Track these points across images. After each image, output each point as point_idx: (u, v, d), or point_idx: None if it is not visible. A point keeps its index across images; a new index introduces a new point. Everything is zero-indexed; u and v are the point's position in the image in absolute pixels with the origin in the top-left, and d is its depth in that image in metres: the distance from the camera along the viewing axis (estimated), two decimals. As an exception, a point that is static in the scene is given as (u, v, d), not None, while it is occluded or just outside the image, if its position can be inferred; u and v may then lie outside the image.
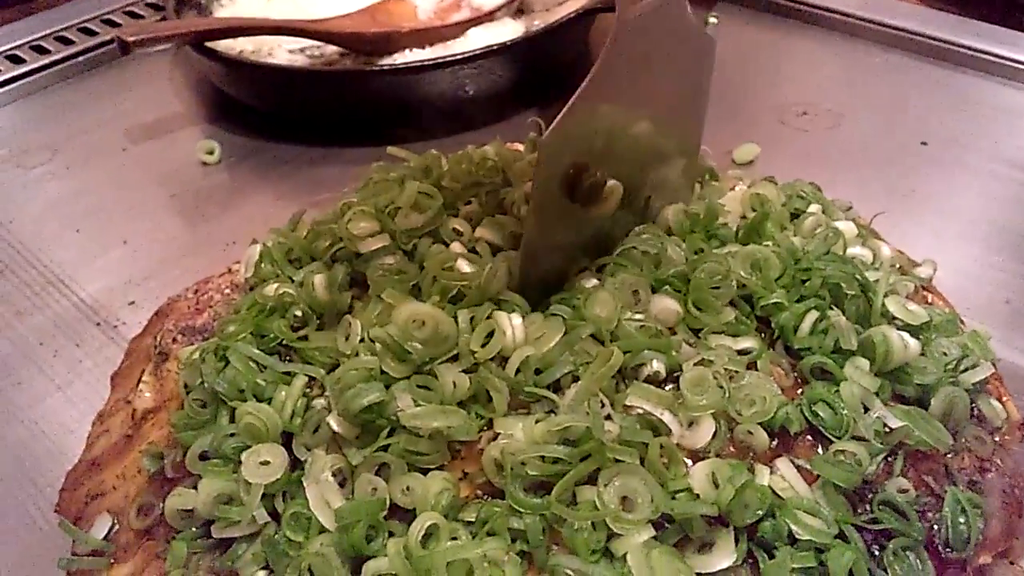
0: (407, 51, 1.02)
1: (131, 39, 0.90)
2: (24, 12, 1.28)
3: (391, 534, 0.44)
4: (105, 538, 0.52)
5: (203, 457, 0.49)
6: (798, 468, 0.46)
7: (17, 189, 0.96)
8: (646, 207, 0.59)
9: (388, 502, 0.45)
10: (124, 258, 0.86)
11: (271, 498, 0.46)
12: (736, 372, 0.48)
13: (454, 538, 0.43)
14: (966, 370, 0.53)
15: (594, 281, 0.53)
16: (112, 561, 0.51)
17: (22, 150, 1.02)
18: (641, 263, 0.54)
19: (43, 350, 0.76)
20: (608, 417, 0.45)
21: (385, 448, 0.46)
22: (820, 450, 0.48)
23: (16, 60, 1.15)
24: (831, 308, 0.52)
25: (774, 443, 0.47)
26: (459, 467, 0.47)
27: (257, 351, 0.52)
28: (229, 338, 0.53)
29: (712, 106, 0.60)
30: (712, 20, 0.98)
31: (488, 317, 0.49)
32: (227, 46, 1.01)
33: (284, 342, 0.53)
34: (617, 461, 0.44)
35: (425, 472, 0.46)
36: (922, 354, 0.52)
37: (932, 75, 1.08)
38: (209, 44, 0.96)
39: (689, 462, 0.45)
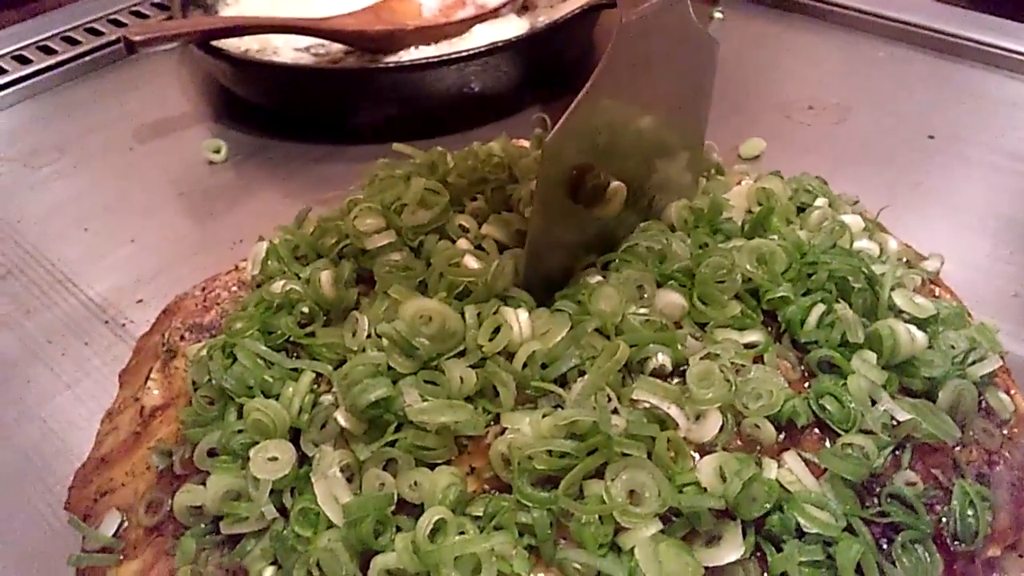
0: (412, 49, 1.02)
1: (137, 39, 0.90)
2: (30, 12, 1.28)
3: (399, 529, 0.44)
4: (114, 535, 0.52)
5: (211, 453, 0.49)
6: (805, 461, 0.46)
7: (25, 189, 0.96)
8: (650, 207, 0.59)
9: (396, 497, 0.45)
10: (132, 256, 0.86)
11: (279, 494, 0.46)
12: (743, 366, 0.48)
13: (462, 533, 0.43)
14: (974, 363, 0.53)
15: (599, 277, 0.53)
16: (121, 558, 0.51)
17: (30, 150, 1.02)
18: (646, 259, 0.54)
19: (52, 348, 0.77)
20: (615, 411, 0.45)
21: (392, 443, 0.46)
22: (827, 443, 0.48)
23: (23, 60, 1.16)
24: (838, 301, 0.52)
25: (781, 436, 0.47)
26: (466, 462, 0.47)
27: (264, 348, 0.52)
28: (236, 335, 0.53)
29: (717, 102, 0.60)
30: (718, 15, 0.98)
31: (495, 313, 0.49)
32: (233, 45, 1.01)
33: (291, 338, 0.53)
34: (624, 455, 0.44)
35: (432, 467, 0.46)
36: (929, 347, 0.51)
37: (938, 68, 1.07)
38: (215, 43, 0.97)
39: (696, 456, 0.45)
